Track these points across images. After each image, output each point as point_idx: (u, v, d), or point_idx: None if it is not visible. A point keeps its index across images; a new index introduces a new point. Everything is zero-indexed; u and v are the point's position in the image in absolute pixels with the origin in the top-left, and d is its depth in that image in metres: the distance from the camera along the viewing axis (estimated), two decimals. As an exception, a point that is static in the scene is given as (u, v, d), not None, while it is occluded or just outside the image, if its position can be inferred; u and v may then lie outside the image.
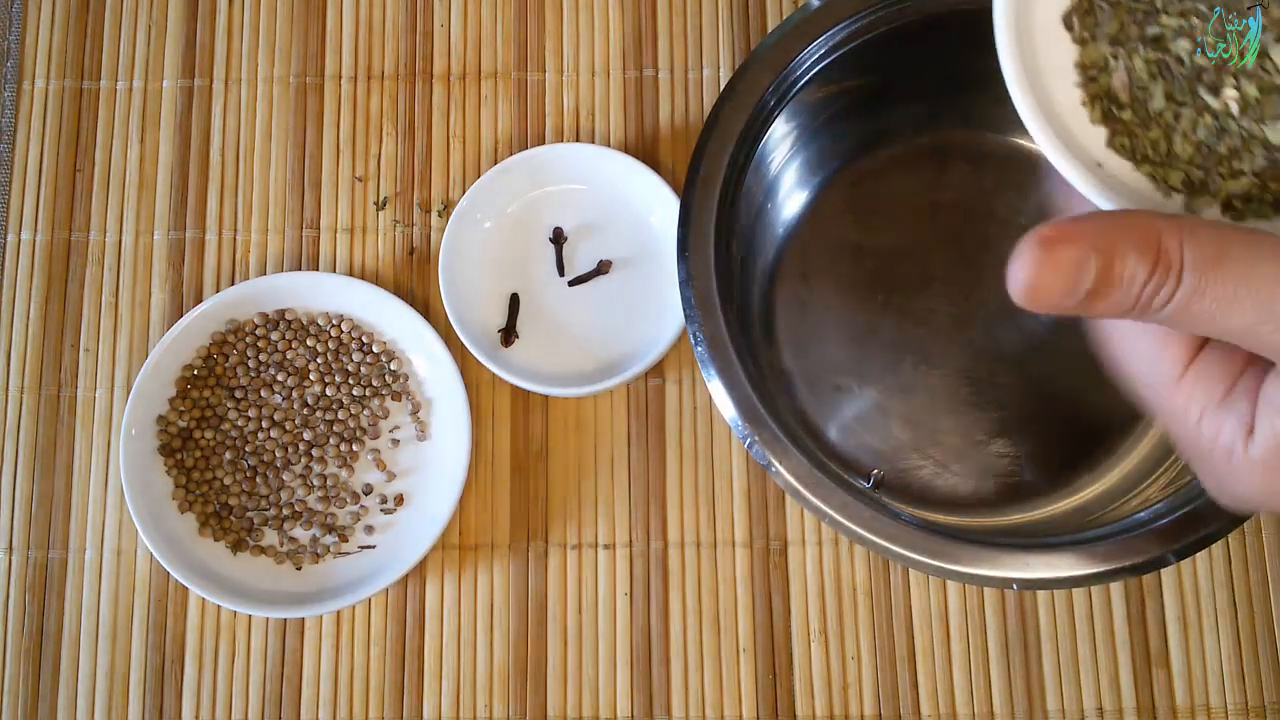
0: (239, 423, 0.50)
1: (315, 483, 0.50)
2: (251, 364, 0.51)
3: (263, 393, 0.51)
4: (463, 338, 0.49)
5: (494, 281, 0.51)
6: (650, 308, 0.51)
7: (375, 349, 0.51)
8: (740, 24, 0.54)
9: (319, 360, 0.51)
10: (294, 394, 0.50)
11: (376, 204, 0.53)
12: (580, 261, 0.52)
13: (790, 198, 0.52)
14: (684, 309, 0.43)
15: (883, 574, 0.49)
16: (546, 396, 0.51)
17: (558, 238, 0.51)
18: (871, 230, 0.52)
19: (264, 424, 0.50)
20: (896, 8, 0.45)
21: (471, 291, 0.51)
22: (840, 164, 0.52)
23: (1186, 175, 0.30)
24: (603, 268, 0.51)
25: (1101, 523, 0.44)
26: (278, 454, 0.50)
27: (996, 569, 0.40)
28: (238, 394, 0.50)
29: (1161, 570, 0.48)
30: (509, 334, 0.50)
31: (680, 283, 0.43)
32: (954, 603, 0.48)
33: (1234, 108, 0.30)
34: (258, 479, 0.50)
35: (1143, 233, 0.23)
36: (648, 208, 0.51)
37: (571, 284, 0.51)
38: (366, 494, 0.50)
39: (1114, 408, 0.50)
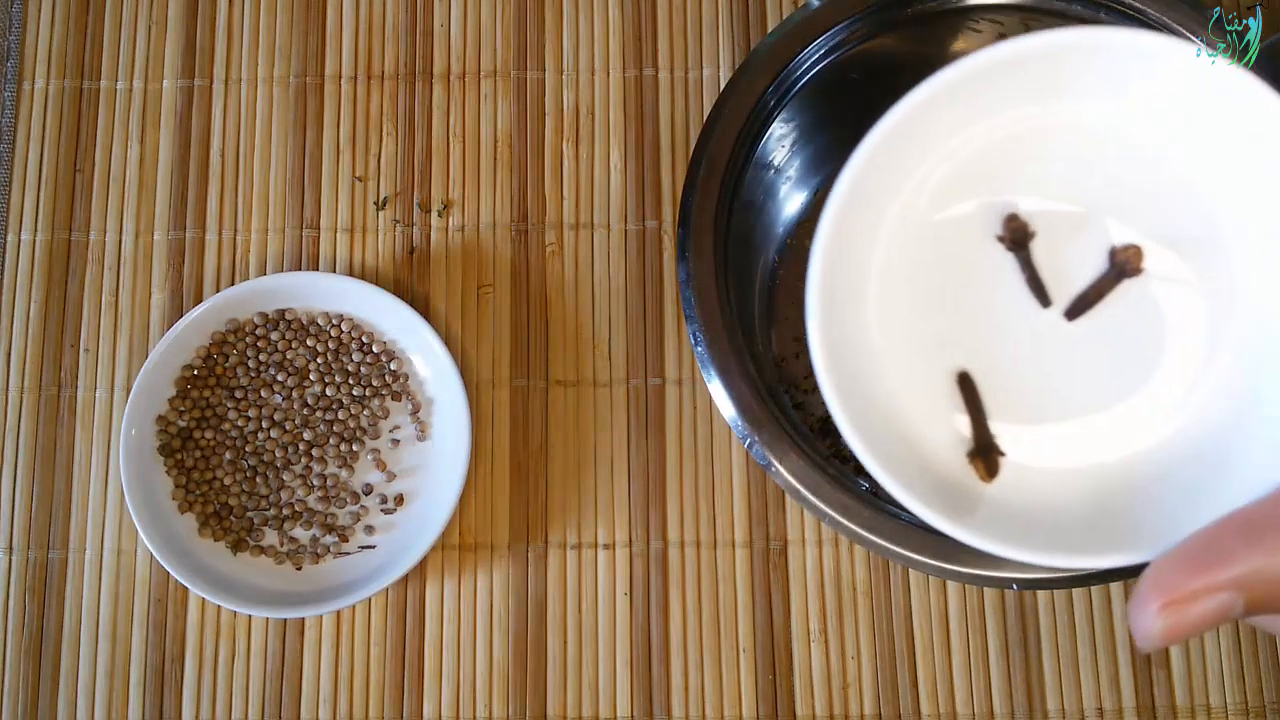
0: (239, 423, 0.50)
1: (315, 483, 0.50)
2: (251, 364, 0.50)
3: (263, 393, 0.51)
4: (898, 492, 0.28)
5: (916, 360, 0.31)
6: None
7: (375, 349, 0.51)
8: (740, 24, 0.54)
9: (319, 360, 0.51)
10: (294, 394, 0.50)
11: (376, 204, 0.53)
12: (1069, 268, 0.31)
13: (790, 198, 0.52)
14: (684, 309, 0.43)
15: (883, 574, 0.49)
16: (547, 396, 0.51)
17: (1018, 232, 0.31)
18: (872, 230, 0.52)
19: (264, 424, 0.50)
20: (897, 7, 0.45)
21: (879, 393, 0.31)
22: (840, 164, 0.52)
23: None
24: (1123, 262, 0.30)
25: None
26: (278, 454, 0.50)
27: (996, 569, 0.40)
28: (238, 394, 0.50)
29: (1161, 570, 0.48)
30: (987, 452, 0.30)
31: (680, 283, 0.43)
32: (954, 603, 0.48)
33: None
34: (258, 479, 0.50)
35: (1207, 549, 0.24)
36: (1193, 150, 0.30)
37: (1072, 314, 0.31)
38: (366, 494, 0.50)
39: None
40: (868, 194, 0.30)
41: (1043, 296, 0.31)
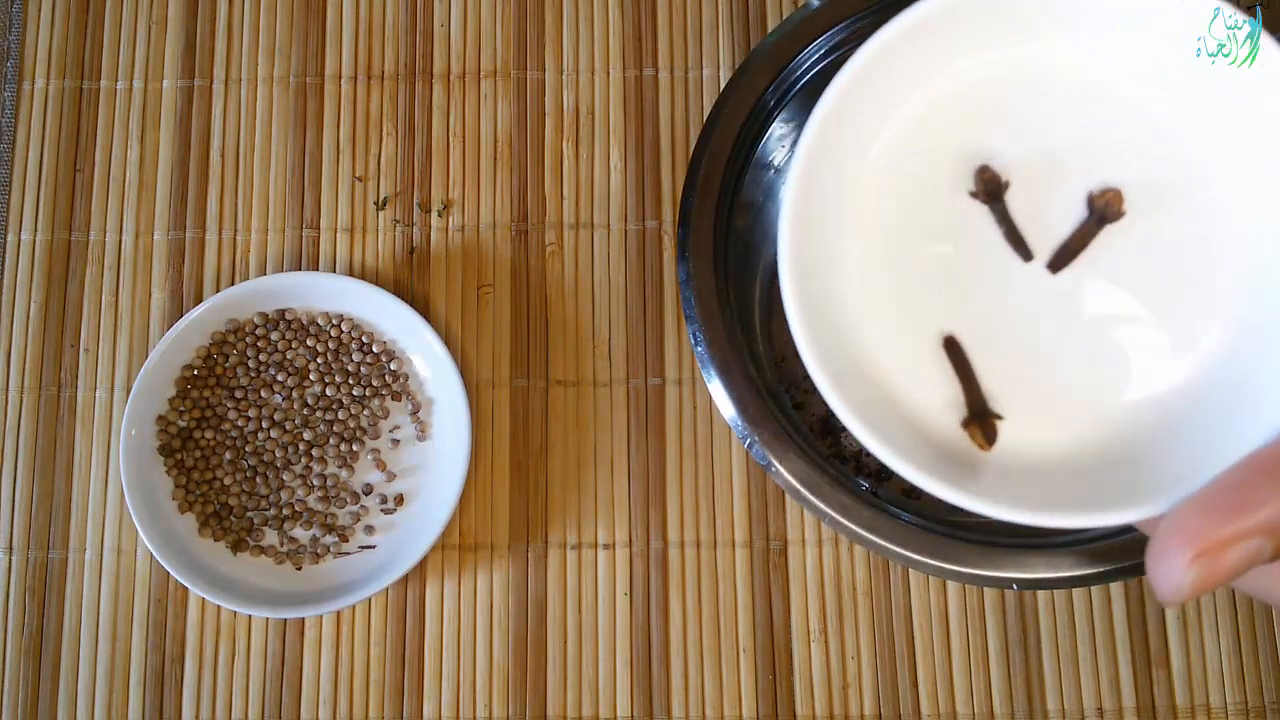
0: (239, 423, 0.50)
1: (315, 483, 0.50)
2: (251, 364, 0.50)
3: (263, 393, 0.51)
4: (895, 463, 0.27)
5: (900, 327, 0.30)
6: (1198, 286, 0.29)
7: (375, 349, 0.51)
8: (740, 24, 0.54)
9: (319, 360, 0.51)
10: (294, 394, 0.50)
11: (376, 204, 0.53)
12: (1049, 219, 0.29)
13: (790, 198, 0.52)
14: (684, 309, 0.43)
15: (883, 574, 0.49)
16: (547, 396, 0.51)
17: (991, 184, 0.29)
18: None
19: (264, 424, 0.50)
20: (896, 7, 0.45)
21: (865, 365, 0.30)
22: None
23: None
24: (1103, 207, 0.29)
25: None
26: (278, 454, 0.50)
27: (996, 569, 0.40)
28: (238, 394, 0.50)
29: (1161, 570, 0.48)
30: (983, 417, 0.29)
31: (680, 283, 0.43)
32: (954, 603, 0.48)
33: None
34: (258, 479, 0.50)
35: (1238, 492, 0.22)
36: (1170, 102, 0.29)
37: (1055, 265, 0.29)
38: (366, 494, 0.50)
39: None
40: (831, 157, 0.29)
41: (1023, 250, 0.30)
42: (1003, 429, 0.29)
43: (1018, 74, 0.30)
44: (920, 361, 0.30)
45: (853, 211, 0.31)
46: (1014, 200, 0.30)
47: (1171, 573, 0.22)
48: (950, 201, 0.30)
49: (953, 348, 0.30)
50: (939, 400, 0.30)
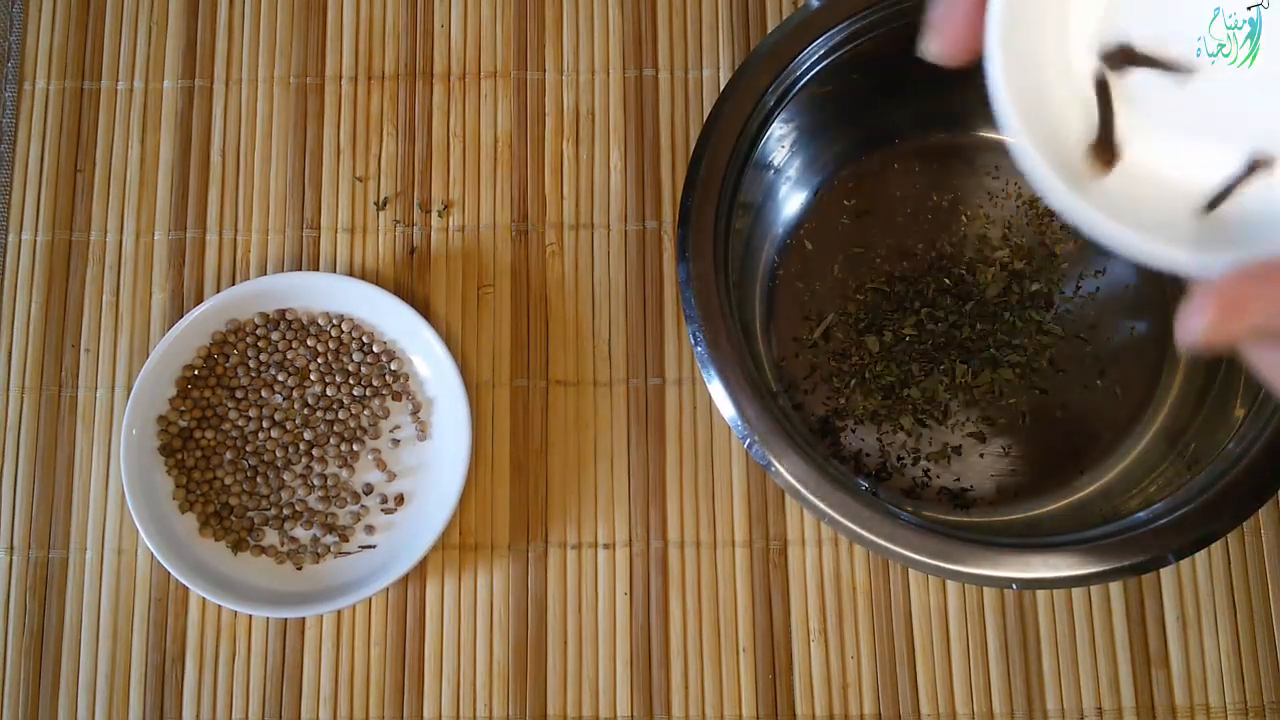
0: (239, 423, 0.50)
1: (315, 483, 0.50)
2: (252, 364, 0.51)
3: (263, 393, 0.51)
4: (1027, 159, 0.29)
5: (1075, 43, 0.31)
6: None
7: (375, 349, 0.51)
8: (740, 24, 0.54)
9: (319, 360, 0.51)
10: (294, 394, 0.50)
11: (376, 204, 0.53)
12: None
13: (790, 198, 0.52)
14: (684, 310, 0.43)
15: (883, 574, 0.49)
16: (547, 396, 0.51)
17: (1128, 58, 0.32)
18: (871, 230, 0.52)
19: (264, 424, 0.50)
20: (896, 8, 0.46)
21: (1045, 78, 0.31)
22: (840, 164, 0.52)
23: None
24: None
25: (1101, 521, 0.44)
26: (278, 454, 0.50)
27: (996, 569, 0.40)
28: (238, 394, 0.50)
29: (1161, 570, 0.48)
30: (1107, 146, 0.31)
31: (680, 283, 0.43)
32: (954, 603, 0.48)
33: None
34: (258, 479, 0.50)
35: None
36: None
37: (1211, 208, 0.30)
38: (366, 494, 0.50)
39: (1110, 407, 0.50)
40: None
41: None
42: (1116, 170, 0.31)
43: None
44: (1078, 84, 0.32)
45: None
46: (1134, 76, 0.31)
47: (1195, 313, 0.25)
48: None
49: (1102, 89, 0.32)
50: (1079, 118, 0.31)
